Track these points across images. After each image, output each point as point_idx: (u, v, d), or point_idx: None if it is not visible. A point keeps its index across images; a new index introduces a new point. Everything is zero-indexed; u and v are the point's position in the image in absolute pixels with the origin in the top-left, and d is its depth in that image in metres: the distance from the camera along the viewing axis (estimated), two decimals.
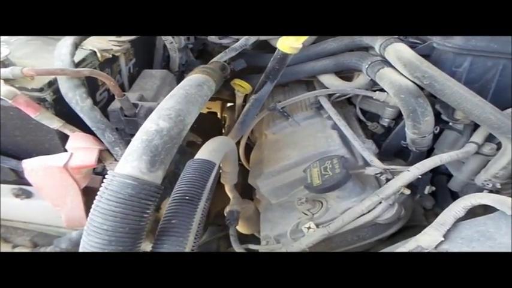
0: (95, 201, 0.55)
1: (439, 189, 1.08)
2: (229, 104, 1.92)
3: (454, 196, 1.07)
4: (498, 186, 0.86)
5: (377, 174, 0.93)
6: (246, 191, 1.35)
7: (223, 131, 1.86)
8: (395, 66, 0.83)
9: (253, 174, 1.17)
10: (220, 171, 1.10)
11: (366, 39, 0.92)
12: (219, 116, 2.04)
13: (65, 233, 0.96)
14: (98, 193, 0.55)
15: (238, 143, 1.22)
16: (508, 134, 0.78)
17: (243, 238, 1.30)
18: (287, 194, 1.10)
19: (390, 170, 0.93)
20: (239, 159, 1.30)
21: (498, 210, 0.68)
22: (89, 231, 0.54)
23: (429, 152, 1.08)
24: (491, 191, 0.90)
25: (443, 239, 0.72)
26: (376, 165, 0.95)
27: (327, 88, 1.08)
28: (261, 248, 1.05)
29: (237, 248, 1.17)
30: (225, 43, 1.07)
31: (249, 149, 1.32)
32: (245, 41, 1.01)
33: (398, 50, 0.80)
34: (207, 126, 1.79)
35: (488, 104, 0.77)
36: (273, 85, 0.95)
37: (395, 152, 1.12)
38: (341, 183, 0.88)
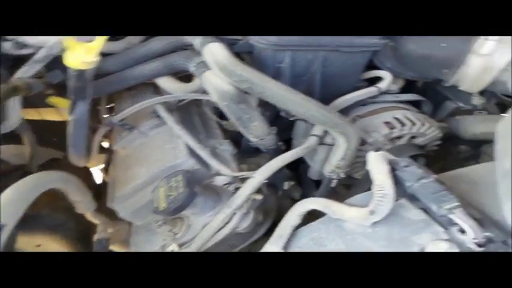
0: None
1: (304, 177, 1.07)
2: None
3: (318, 183, 1.07)
4: (342, 175, 0.86)
5: (225, 185, 0.86)
6: None
7: None
8: (213, 69, 0.73)
9: (109, 198, 1.02)
10: None
11: (188, 37, 0.80)
12: None
13: None
14: None
15: None
16: (335, 127, 0.75)
17: None
18: (149, 214, 0.98)
19: (239, 177, 0.87)
20: None
21: None
22: None
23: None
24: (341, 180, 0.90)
25: (283, 251, 0.68)
26: (225, 174, 0.88)
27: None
28: None
29: None
30: (25, 53, 0.85)
31: None
32: (48, 50, 0.81)
33: (213, 52, 0.70)
34: None
35: (311, 101, 0.72)
36: (88, 101, 0.79)
37: (255, 148, 1.07)
38: (185, 204, 0.79)
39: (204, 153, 0.91)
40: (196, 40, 0.75)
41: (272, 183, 1.02)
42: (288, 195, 1.11)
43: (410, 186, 0.56)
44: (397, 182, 0.59)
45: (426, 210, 0.56)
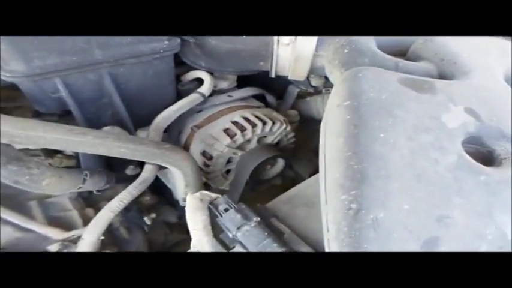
0: None
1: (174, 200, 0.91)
2: None
3: None
4: None
5: None
6: None
7: None
8: None
9: None
10: None
11: None
12: None
13: None
14: None
15: None
16: (157, 159, 0.61)
17: None
18: None
19: (68, 240, 0.68)
20: None
21: None
22: None
23: None
24: None
25: None
26: (51, 237, 0.68)
27: None
28: None
29: None
30: None
31: None
32: None
33: None
34: None
35: (108, 138, 0.56)
36: None
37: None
38: None
39: (14, 217, 0.69)
40: None
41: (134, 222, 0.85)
42: (164, 221, 0.96)
43: (233, 236, 0.45)
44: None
45: None
